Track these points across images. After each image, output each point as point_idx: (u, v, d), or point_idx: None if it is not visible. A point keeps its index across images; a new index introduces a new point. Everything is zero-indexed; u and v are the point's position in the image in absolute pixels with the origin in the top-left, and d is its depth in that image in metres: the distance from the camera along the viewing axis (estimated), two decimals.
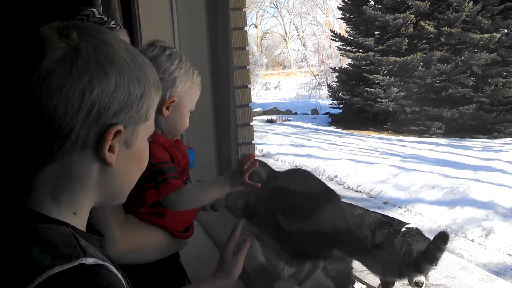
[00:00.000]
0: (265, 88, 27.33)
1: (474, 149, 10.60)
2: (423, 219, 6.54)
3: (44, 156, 0.69)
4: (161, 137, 1.31)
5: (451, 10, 13.12)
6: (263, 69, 31.60)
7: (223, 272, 1.24)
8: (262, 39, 36.94)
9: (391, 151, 10.73)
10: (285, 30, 35.91)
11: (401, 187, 7.79)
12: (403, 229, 3.47)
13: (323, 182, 1.46)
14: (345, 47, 16.40)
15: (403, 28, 14.01)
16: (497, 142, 11.39)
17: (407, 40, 13.91)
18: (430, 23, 13.64)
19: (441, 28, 13.27)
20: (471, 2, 12.79)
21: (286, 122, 16.96)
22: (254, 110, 18.09)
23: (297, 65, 31.99)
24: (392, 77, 13.98)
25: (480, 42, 12.65)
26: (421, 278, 3.13)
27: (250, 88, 2.45)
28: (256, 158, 1.29)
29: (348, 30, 16.50)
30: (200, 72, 2.50)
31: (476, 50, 12.87)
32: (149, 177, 1.23)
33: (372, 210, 3.99)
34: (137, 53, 0.77)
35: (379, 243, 3.43)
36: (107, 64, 0.69)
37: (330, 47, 24.48)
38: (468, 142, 11.53)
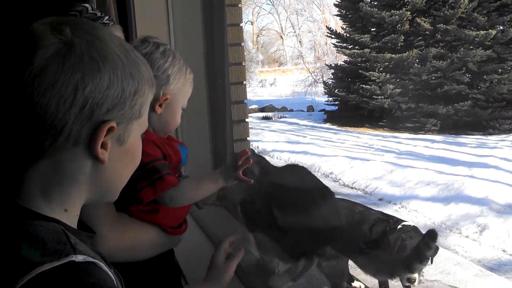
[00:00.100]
0: (261, 85, 27.29)
1: (469, 145, 10.64)
2: (418, 215, 6.56)
3: (35, 152, 0.69)
4: (153, 134, 1.31)
5: (447, 7, 13.14)
6: (259, 66, 31.57)
7: (214, 277, 1.24)
8: (258, 36, 36.86)
9: (387, 148, 10.75)
10: (281, 27, 35.89)
11: (396, 184, 7.81)
12: (399, 226, 3.49)
13: (319, 179, 1.46)
14: (341, 44, 16.39)
15: (399, 25, 14.02)
16: (491, 139, 11.44)
17: (403, 37, 13.92)
18: (426, 20, 13.65)
19: (437, 25, 13.28)
20: None
21: (282, 119, 16.95)
22: (250, 107, 18.07)
23: (293, 62, 31.96)
24: (388, 74, 13.99)
25: (476, 39, 12.68)
26: (414, 275, 3.14)
27: (245, 84, 2.44)
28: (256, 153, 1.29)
29: (344, 27, 16.48)
30: (195, 68, 2.49)
31: (471, 47, 12.90)
32: (143, 176, 1.23)
33: (373, 209, 4.01)
34: (131, 49, 0.77)
35: (374, 239, 3.44)
36: (101, 60, 0.69)
37: (326, 44, 24.47)
38: (463, 139, 11.57)
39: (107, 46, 0.71)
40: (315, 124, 15.52)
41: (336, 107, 16.65)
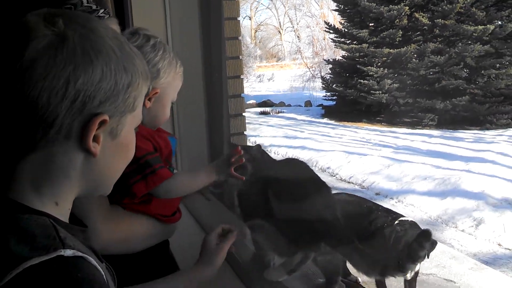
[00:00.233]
0: (259, 80, 27.20)
1: (466, 140, 10.65)
2: (415, 209, 6.58)
3: (26, 145, 0.68)
4: (143, 127, 1.31)
5: (445, 1, 13.10)
6: (257, 61, 31.43)
7: (206, 259, 1.24)
8: (256, 31, 36.73)
9: (384, 142, 10.76)
10: (280, 22, 35.75)
11: (393, 178, 7.82)
12: (396, 222, 3.51)
13: (316, 174, 1.46)
14: (339, 39, 16.34)
15: (397, 20, 13.99)
16: (489, 134, 11.45)
17: (401, 32, 13.89)
18: (424, 15, 13.62)
19: (435, 20, 13.26)
20: None
21: (280, 114, 16.92)
22: (248, 102, 18.07)
23: (291, 57, 31.86)
24: (386, 69, 13.96)
25: (474, 34, 12.67)
26: (406, 274, 3.16)
27: (242, 78, 2.45)
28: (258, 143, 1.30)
29: (342, 22, 16.43)
30: (192, 62, 2.50)
31: (469, 42, 12.89)
32: (137, 170, 1.23)
33: (380, 205, 4.03)
34: (126, 42, 0.76)
35: (369, 236, 3.46)
36: (94, 53, 0.68)
37: (324, 39, 24.39)
38: (460, 134, 11.58)
39: (101, 39, 0.70)
40: (313, 119, 15.50)
41: (334, 102, 16.64)
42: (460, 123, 12.53)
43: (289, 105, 19.15)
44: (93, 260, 0.66)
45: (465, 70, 13.15)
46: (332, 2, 17.61)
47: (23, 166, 0.70)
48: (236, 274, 1.59)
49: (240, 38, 2.45)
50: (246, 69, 22.82)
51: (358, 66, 14.47)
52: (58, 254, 0.62)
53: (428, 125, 12.79)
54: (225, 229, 1.31)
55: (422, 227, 3.71)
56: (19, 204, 0.69)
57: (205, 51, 2.46)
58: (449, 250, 5.05)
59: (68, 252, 0.63)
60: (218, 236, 1.28)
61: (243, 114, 2.43)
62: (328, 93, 16.79)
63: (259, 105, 18.89)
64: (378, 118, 14.08)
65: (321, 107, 17.45)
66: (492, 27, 12.57)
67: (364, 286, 3.16)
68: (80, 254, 0.64)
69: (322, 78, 17.74)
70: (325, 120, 15.26)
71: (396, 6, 13.77)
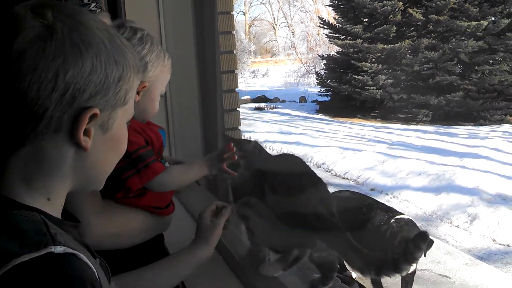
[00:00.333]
0: (253, 76, 27.20)
1: (460, 136, 10.70)
2: (410, 205, 6.60)
3: (16, 139, 0.67)
4: (133, 121, 1.29)
5: None
6: (251, 56, 31.43)
7: (202, 238, 1.23)
8: (250, 26, 36.67)
9: (379, 138, 10.79)
10: (274, 18, 35.69)
11: (388, 174, 7.85)
12: (393, 219, 3.53)
13: (312, 170, 1.45)
14: (333, 35, 16.35)
15: (391, 16, 14.01)
16: (483, 129, 11.51)
17: (395, 28, 13.91)
18: (418, 10, 13.64)
19: (429, 16, 13.28)
20: None
21: (274, 110, 16.94)
22: (242, 98, 18.05)
23: (286, 52, 31.86)
24: (380, 65, 13.99)
25: (468, 29, 12.70)
26: (401, 274, 3.16)
27: (236, 73, 2.43)
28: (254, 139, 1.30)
29: (337, 17, 16.45)
30: (186, 56, 2.48)
31: (463, 38, 12.93)
32: (130, 165, 1.23)
33: (380, 202, 4.06)
34: (117, 35, 0.75)
35: (369, 231, 3.48)
36: (83, 46, 0.67)
37: (318, 34, 24.41)
38: (454, 129, 11.63)
39: (90, 31, 0.69)
40: (308, 115, 15.52)
41: (329, 98, 16.66)
42: (454, 119, 12.59)
43: (284, 101, 19.16)
44: (84, 257, 0.65)
45: (459, 66, 13.20)
46: None
47: (13, 161, 0.69)
48: (232, 270, 1.58)
49: (233, 32, 2.44)
50: (241, 65, 22.79)
51: (352, 61, 14.49)
52: (48, 251, 0.61)
53: (422, 121, 12.83)
54: (218, 206, 1.30)
55: (417, 222, 3.74)
56: (9, 200, 0.68)
57: (199, 45, 2.44)
58: (444, 246, 5.07)
59: (59, 249, 0.62)
60: (212, 214, 1.28)
61: (238, 109, 2.41)
62: (323, 89, 16.81)
63: (254, 100, 18.89)
64: (372, 114, 14.12)
65: (315, 103, 17.48)
66: (485, 23, 12.61)
67: (359, 281, 3.17)
68: (70, 251, 0.63)
69: (317, 73, 17.75)
70: (319, 115, 15.28)
71: (390, 2, 13.78)
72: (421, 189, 7.04)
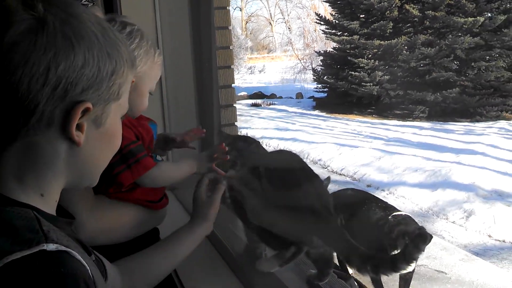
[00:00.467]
0: (250, 72, 27.13)
1: (457, 132, 10.72)
2: (406, 201, 6.61)
3: (8, 134, 0.66)
4: None
5: None
6: (248, 52, 31.36)
7: (199, 215, 1.22)
8: (247, 22, 36.58)
9: (375, 134, 10.80)
10: (270, 14, 35.65)
11: (384, 170, 7.85)
12: (392, 215, 3.56)
13: (309, 167, 1.44)
14: (330, 31, 16.32)
15: (388, 12, 13.99)
16: (479, 126, 11.53)
17: (391, 24, 13.90)
18: (414, 6, 13.63)
19: (425, 12, 13.27)
20: None
21: (271, 106, 16.92)
22: (239, 94, 18.03)
23: (282, 48, 31.79)
24: (377, 61, 13.99)
25: (464, 26, 12.70)
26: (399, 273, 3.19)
27: (233, 68, 2.42)
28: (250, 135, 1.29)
29: (333, 13, 16.40)
30: (182, 52, 2.46)
31: (460, 34, 12.93)
32: (121, 160, 1.22)
33: (381, 199, 4.08)
34: (110, 28, 0.74)
35: (362, 231, 3.50)
36: (75, 39, 0.66)
37: (315, 30, 24.36)
38: (450, 126, 11.65)
39: (82, 24, 0.68)
40: (304, 111, 15.51)
41: (325, 94, 16.65)
42: (450, 115, 12.60)
43: (281, 97, 19.14)
44: (77, 255, 0.64)
45: (455, 62, 13.21)
46: None
47: (6, 156, 0.68)
48: (228, 266, 1.57)
49: (230, 27, 2.42)
50: (237, 61, 22.71)
51: (349, 58, 14.47)
52: (40, 249, 0.60)
53: (418, 117, 12.85)
54: (211, 179, 1.29)
55: (413, 218, 3.73)
56: (2, 196, 0.67)
57: (195, 41, 2.42)
58: (440, 242, 5.09)
59: (51, 247, 0.61)
60: (207, 189, 1.27)
61: (234, 105, 2.40)
62: (319, 85, 16.79)
63: (251, 97, 18.86)
64: (369, 110, 14.12)
65: (312, 99, 17.46)
66: (482, 19, 12.61)
67: (356, 277, 3.17)
68: (63, 248, 0.62)
69: (313, 70, 17.73)
70: (316, 112, 15.27)
71: None
72: (417, 185, 7.05)
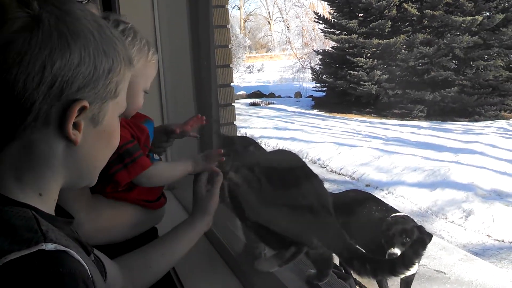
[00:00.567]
0: (249, 71, 27.15)
1: (455, 132, 10.74)
2: (405, 201, 6.61)
3: (5, 133, 0.66)
4: None
5: None
6: (247, 51, 31.35)
7: (199, 208, 1.24)
8: (245, 21, 36.56)
9: (374, 134, 10.80)
10: (269, 12, 35.62)
11: (383, 170, 7.85)
12: (388, 218, 3.57)
13: (308, 167, 1.43)
14: (328, 30, 16.33)
15: (387, 11, 13.99)
16: (477, 125, 11.55)
17: (390, 23, 13.91)
18: (413, 5, 13.64)
19: (424, 11, 13.28)
20: None
21: (270, 106, 16.93)
22: (238, 93, 18.02)
23: (281, 47, 31.85)
24: (375, 60, 14.00)
25: (463, 24, 12.72)
26: (395, 250, 3.20)
27: (231, 67, 2.40)
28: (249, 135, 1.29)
29: (332, 12, 16.41)
30: (180, 50, 2.44)
31: (458, 33, 12.94)
32: (117, 159, 1.21)
33: (383, 201, 4.11)
34: (107, 26, 0.73)
35: (362, 233, 3.51)
36: (71, 36, 0.65)
37: (313, 29, 24.37)
38: (449, 125, 11.67)
39: (78, 22, 0.67)
40: (303, 111, 15.52)
41: (324, 93, 16.66)
42: (449, 115, 12.62)
43: (279, 96, 19.15)
44: (76, 254, 0.64)
45: (454, 61, 13.23)
46: None
47: (4, 156, 0.67)
48: (228, 266, 1.57)
49: (228, 26, 2.40)
50: (236, 60, 22.72)
51: (347, 57, 14.48)
52: (39, 248, 0.59)
53: (417, 116, 12.86)
54: (209, 173, 1.32)
55: (412, 218, 3.73)
56: (1, 196, 0.66)
57: (193, 39, 2.41)
58: (439, 241, 5.09)
59: (50, 246, 0.61)
60: (206, 182, 1.29)
61: (233, 103, 2.39)
62: (318, 84, 16.80)
63: (249, 96, 18.86)
64: (368, 110, 14.13)
65: (311, 98, 17.48)
66: (480, 18, 12.62)
67: (356, 277, 3.16)
68: (62, 248, 0.62)
69: (312, 69, 17.74)
70: (315, 111, 15.28)
71: None
72: (416, 185, 7.05)
